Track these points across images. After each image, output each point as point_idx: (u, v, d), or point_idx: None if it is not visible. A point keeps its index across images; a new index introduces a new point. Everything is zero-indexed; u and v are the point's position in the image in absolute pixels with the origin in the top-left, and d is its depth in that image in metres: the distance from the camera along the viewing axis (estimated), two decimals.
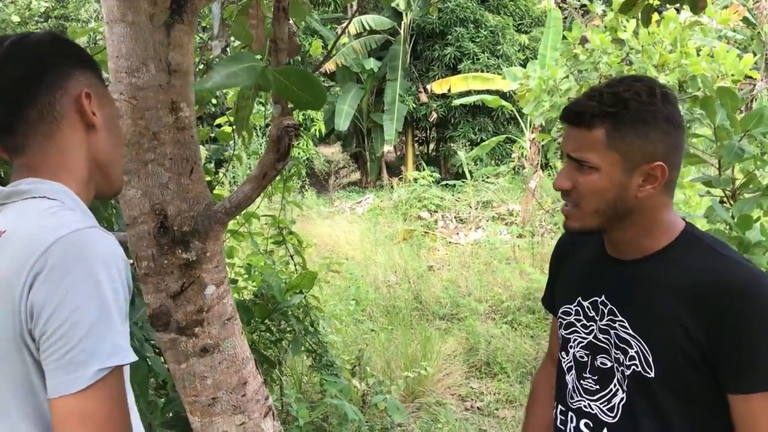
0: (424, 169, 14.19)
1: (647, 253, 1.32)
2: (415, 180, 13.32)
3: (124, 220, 1.74)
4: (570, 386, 1.45)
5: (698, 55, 6.88)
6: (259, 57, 1.48)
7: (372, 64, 16.01)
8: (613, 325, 1.34)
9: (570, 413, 1.45)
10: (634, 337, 1.30)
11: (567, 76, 7.82)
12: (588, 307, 1.42)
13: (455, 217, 11.56)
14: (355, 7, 17.64)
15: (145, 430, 1.99)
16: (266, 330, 3.38)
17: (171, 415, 2.18)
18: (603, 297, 1.38)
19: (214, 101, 3.49)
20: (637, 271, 1.33)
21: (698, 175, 4.21)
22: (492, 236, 9.68)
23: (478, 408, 4.63)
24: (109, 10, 1.61)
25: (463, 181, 12.98)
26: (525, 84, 8.14)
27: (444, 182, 14.12)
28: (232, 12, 1.84)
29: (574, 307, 1.45)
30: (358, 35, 15.96)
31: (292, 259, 3.61)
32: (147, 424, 2.03)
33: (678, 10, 7.04)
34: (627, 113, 1.23)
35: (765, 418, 1.18)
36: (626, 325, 1.32)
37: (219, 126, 3.57)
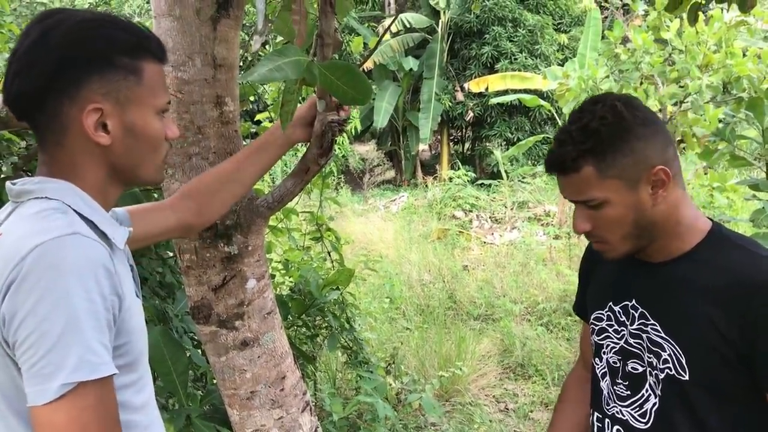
0: (459, 168, 14.12)
1: (675, 255, 1.31)
2: (450, 179, 13.25)
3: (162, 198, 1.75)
4: (605, 392, 1.44)
5: (744, 55, 6.73)
6: None
7: (411, 63, 15.99)
8: (645, 329, 1.33)
9: (606, 420, 1.43)
10: (666, 340, 1.29)
11: (607, 76, 7.73)
12: (619, 312, 1.41)
13: (490, 217, 11.48)
14: (393, 5, 17.64)
15: (184, 422, 2.02)
16: (302, 325, 3.39)
17: (209, 407, 2.20)
18: (633, 301, 1.37)
19: (252, 98, 3.51)
20: (667, 274, 1.32)
21: (743, 178, 4.11)
22: (528, 237, 9.59)
23: (512, 410, 4.59)
24: (156, 4, 1.63)
25: (499, 181, 12.88)
26: (564, 84, 8.06)
27: (479, 182, 14.03)
28: (275, 8, 1.84)
29: (606, 312, 1.44)
30: (395, 33, 15.96)
31: (329, 255, 3.62)
32: (186, 416, 2.05)
33: (725, 9, 6.90)
34: (603, 141, 1.22)
35: None
36: (658, 328, 1.31)
37: (258, 122, 3.59)
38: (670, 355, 1.28)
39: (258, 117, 3.57)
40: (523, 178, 12.84)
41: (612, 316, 1.43)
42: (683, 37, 7.06)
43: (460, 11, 16.27)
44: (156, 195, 2.49)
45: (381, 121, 15.56)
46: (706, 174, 7.96)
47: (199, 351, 2.46)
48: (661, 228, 1.29)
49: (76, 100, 1.04)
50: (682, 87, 7.18)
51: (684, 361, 1.25)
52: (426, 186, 14.82)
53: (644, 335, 1.33)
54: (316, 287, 3.06)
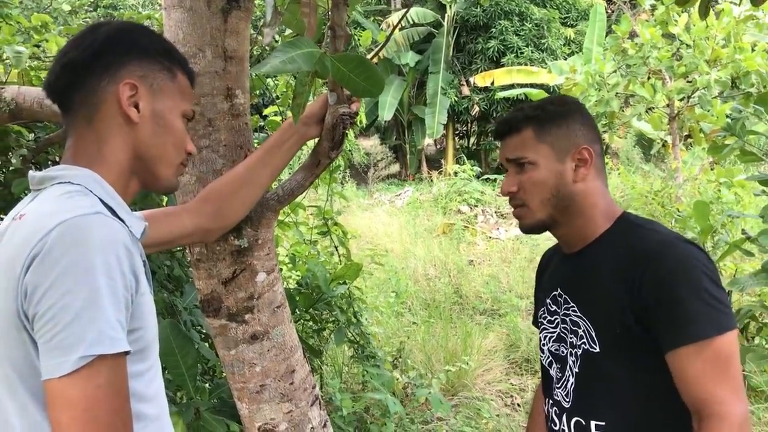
0: (464, 163, 14.11)
1: (589, 241, 1.45)
2: (456, 173, 13.25)
3: (176, 203, 1.75)
4: (554, 379, 1.53)
5: (753, 50, 6.70)
6: None
7: (409, 58, 15.92)
8: (568, 312, 1.46)
9: (555, 404, 1.53)
10: (581, 317, 1.41)
11: (615, 71, 7.70)
12: (550, 303, 1.54)
13: (496, 212, 11.48)
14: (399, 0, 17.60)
15: (192, 415, 2.02)
16: (310, 319, 3.39)
17: (218, 400, 2.19)
18: (559, 290, 1.51)
19: (258, 92, 3.49)
20: (582, 259, 1.46)
21: (751, 174, 4.09)
22: None
23: (518, 404, 4.59)
24: None
25: (505, 176, 12.84)
26: (571, 78, 8.03)
27: (485, 176, 14.00)
28: (284, 0, 1.83)
29: (543, 308, 1.58)
30: (401, 28, 15.93)
31: (337, 249, 3.61)
32: (195, 408, 2.05)
33: (734, 3, 6.86)
34: (546, 113, 1.44)
35: (691, 369, 1.23)
36: (575, 308, 1.44)
37: (266, 117, 3.58)
38: (584, 331, 1.40)
39: (266, 111, 3.55)
40: None
41: (545, 308, 1.56)
42: (691, 32, 7.03)
43: (467, 5, 16.22)
44: None
45: (386, 115, 15.54)
46: (712, 169, 7.93)
47: (207, 344, 2.45)
48: (576, 206, 1.43)
49: (115, 77, 1.12)
50: (690, 82, 7.15)
51: (594, 334, 1.37)
52: (431, 180, 14.82)
53: (567, 318, 1.46)
54: (324, 281, 3.05)
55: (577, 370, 1.41)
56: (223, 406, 2.16)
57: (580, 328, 1.41)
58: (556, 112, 1.44)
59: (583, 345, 1.39)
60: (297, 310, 3.12)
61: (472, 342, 5.33)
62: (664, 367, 1.28)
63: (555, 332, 1.51)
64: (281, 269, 3.42)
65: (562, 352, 1.47)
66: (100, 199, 1.07)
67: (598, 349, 1.36)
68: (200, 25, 1.60)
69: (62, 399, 0.92)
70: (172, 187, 1.26)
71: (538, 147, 1.42)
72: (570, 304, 1.45)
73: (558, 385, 1.48)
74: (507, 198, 1.51)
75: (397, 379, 4.09)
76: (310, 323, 3.47)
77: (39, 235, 0.95)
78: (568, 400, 1.44)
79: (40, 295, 0.93)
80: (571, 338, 1.44)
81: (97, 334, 0.92)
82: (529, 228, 1.49)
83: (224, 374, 1.90)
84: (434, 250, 8.65)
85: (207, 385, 2.40)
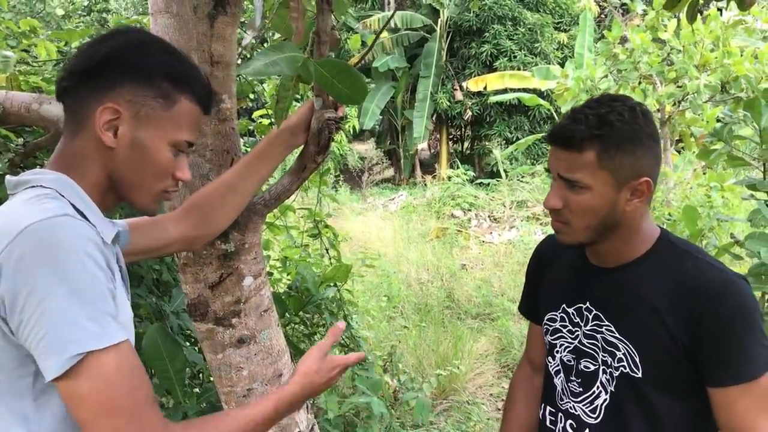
0: (458, 167, 14.13)
1: (628, 260, 1.41)
2: (449, 178, 13.26)
3: (164, 211, 1.75)
4: (559, 388, 1.53)
5: (741, 55, 6.73)
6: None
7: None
8: (600, 329, 1.42)
9: (559, 414, 1.52)
10: (621, 340, 1.38)
11: (606, 76, 7.73)
12: (573, 314, 1.49)
13: (489, 216, 11.49)
14: (392, 4, 17.62)
15: (180, 419, 2.02)
16: (300, 323, 3.39)
17: (206, 404, 2.20)
18: (587, 303, 1.46)
19: (251, 96, 3.50)
20: (619, 278, 1.41)
21: (741, 178, 4.11)
22: (526, 236, 9.60)
23: None
24: (154, 1, 1.62)
25: (498, 180, 12.89)
26: (563, 83, 8.06)
27: (478, 181, 14.02)
28: (272, 5, 1.84)
29: (559, 314, 1.53)
30: (393, 31, 15.94)
31: (327, 252, 3.62)
32: (183, 412, 2.05)
33: (720, 10, 6.90)
34: (614, 134, 1.29)
35: (741, 405, 1.27)
36: (612, 329, 1.40)
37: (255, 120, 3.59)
38: (624, 354, 1.37)
39: (255, 114, 3.56)
40: (522, 177, 12.84)
41: (565, 317, 1.51)
42: (681, 37, 7.06)
43: (460, 10, 16.27)
44: None
45: (367, 122, 15.52)
46: (704, 174, 7.97)
47: (196, 348, 2.46)
48: (620, 232, 1.38)
49: (102, 98, 1.10)
50: (680, 87, 7.18)
51: (638, 360, 1.35)
52: (425, 185, 14.84)
53: (599, 336, 1.43)
54: (313, 284, 3.06)
55: (612, 389, 1.40)
56: (212, 411, 2.17)
57: (619, 351, 1.38)
58: (625, 136, 1.29)
59: (622, 368, 1.37)
60: (287, 313, 3.12)
61: (463, 346, 5.34)
62: (700, 396, 1.32)
63: (573, 344, 1.49)
64: (272, 272, 3.43)
65: (588, 367, 1.45)
66: (72, 204, 1.06)
67: (639, 374, 1.35)
68: (186, 31, 1.61)
69: (74, 397, 0.95)
70: (149, 211, 1.24)
71: (598, 173, 1.30)
72: (603, 322, 1.41)
73: (577, 400, 1.47)
74: (548, 210, 1.42)
75: (388, 383, 4.09)
76: (301, 327, 3.47)
77: (5, 241, 0.95)
78: (595, 416, 1.43)
79: (22, 304, 0.93)
80: (603, 356, 1.41)
81: (83, 333, 0.93)
82: (568, 245, 1.43)
83: (212, 378, 1.90)
84: (427, 255, 8.66)
85: (195, 389, 2.41)
